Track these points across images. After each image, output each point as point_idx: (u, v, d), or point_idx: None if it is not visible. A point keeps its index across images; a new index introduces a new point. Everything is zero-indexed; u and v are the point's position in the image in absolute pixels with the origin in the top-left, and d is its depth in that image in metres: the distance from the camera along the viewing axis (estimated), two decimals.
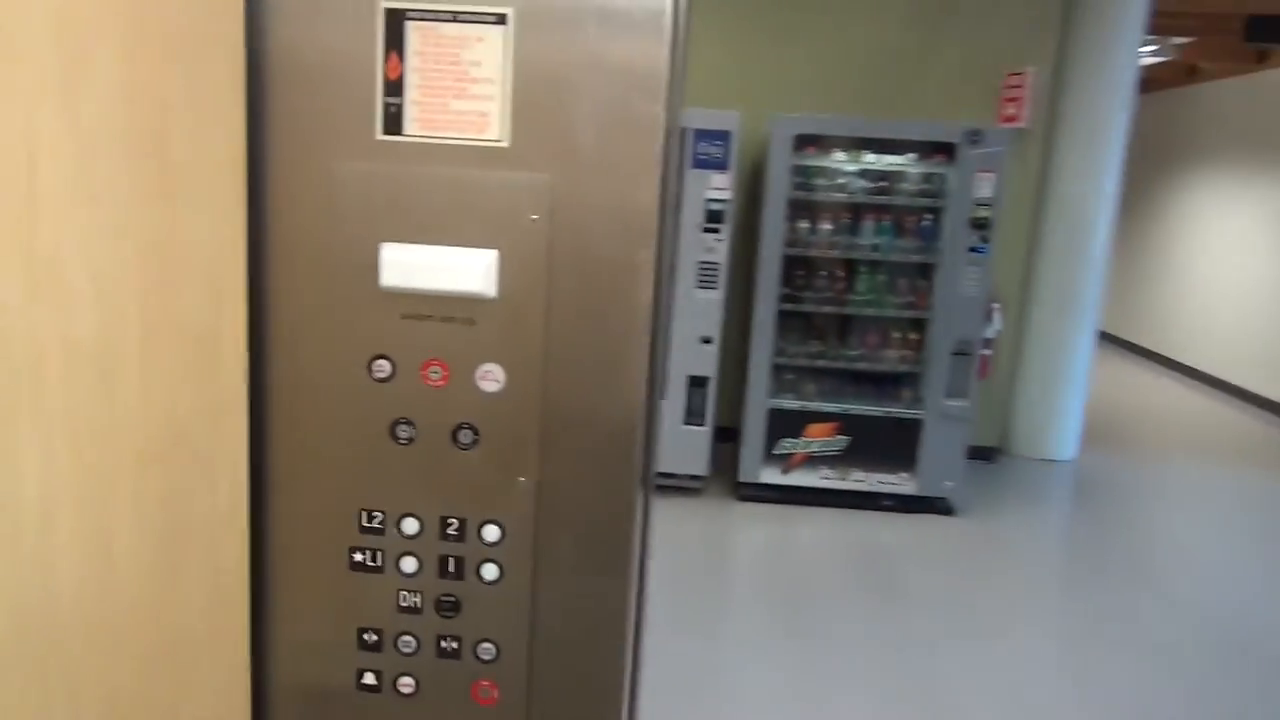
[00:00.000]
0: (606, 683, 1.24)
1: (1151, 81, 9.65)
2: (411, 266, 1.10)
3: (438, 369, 1.14)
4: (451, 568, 1.20)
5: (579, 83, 1.10)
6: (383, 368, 1.14)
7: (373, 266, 1.11)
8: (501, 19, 1.07)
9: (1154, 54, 7.74)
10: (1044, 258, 5.89)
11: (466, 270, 1.11)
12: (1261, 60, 7.99)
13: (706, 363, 4.81)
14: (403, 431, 1.16)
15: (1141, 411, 7.99)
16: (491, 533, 1.19)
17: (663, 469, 4.83)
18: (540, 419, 1.16)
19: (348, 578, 1.20)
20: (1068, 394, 6.07)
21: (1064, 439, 6.12)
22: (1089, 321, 5.97)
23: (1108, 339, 10.90)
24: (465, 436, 1.16)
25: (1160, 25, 6.47)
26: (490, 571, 1.20)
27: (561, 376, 1.15)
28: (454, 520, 1.18)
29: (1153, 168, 10.43)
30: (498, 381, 1.15)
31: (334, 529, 1.19)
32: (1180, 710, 3.20)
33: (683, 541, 4.44)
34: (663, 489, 4.91)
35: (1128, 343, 10.82)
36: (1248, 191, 8.70)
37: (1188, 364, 9.44)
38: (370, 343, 1.14)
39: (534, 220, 1.11)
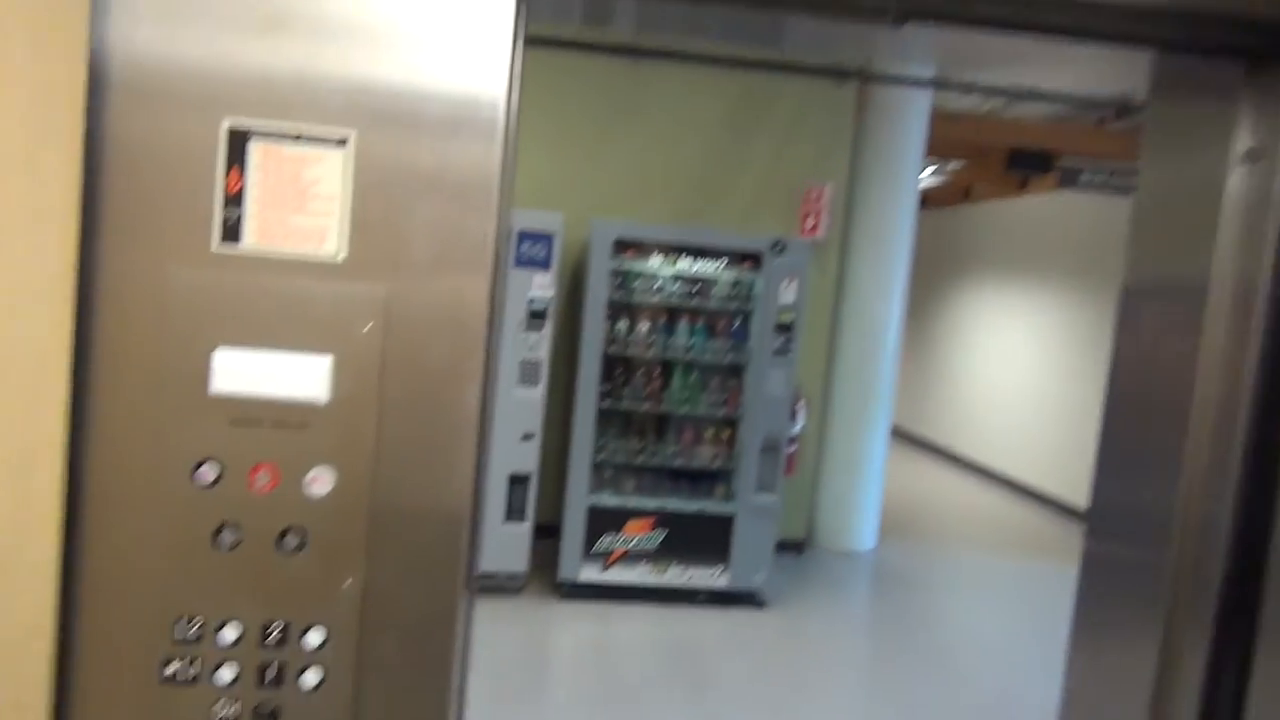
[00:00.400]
0: None
1: (933, 199, 10.75)
2: (244, 373, 1.12)
3: (266, 473, 1.15)
4: (272, 675, 1.18)
5: (415, 198, 1.17)
6: (207, 473, 1.14)
7: (204, 372, 1.12)
8: (343, 141, 1.14)
9: (934, 175, 8.66)
10: (842, 359, 6.36)
11: (299, 377, 1.13)
12: (1024, 186, 9.08)
13: (527, 460, 4.85)
14: (227, 536, 1.15)
15: (932, 504, 8.62)
16: (314, 637, 1.19)
17: (483, 568, 4.78)
18: (368, 521, 1.18)
19: (160, 691, 1.16)
20: (866, 488, 6.49)
21: (864, 531, 6.52)
22: (883, 418, 6.45)
23: (901, 435, 11.74)
24: (292, 540, 1.16)
25: (937, 150, 7.28)
26: (312, 678, 1.19)
27: (390, 478, 1.18)
28: (276, 626, 1.18)
29: (937, 277, 11.50)
30: (327, 485, 1.17)
31: (148, 639, 1.15)
32: None
33: (503, 641, 4.38)
34: (483, 589, 4.84)
35: (918, 438, 11.70)
36: (1018, 301, 9.75)
37: (970, 458, 10.30)
38: (196, 448, 1.14)
39: (368, 329, 1.16)
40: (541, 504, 5.06)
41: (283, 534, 1.16)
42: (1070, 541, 7.03)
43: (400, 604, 1.21)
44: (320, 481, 1.17)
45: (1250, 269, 1.73)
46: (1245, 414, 1.65)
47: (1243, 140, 1.80)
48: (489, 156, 1.19)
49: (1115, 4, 1.61)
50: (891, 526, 7.03)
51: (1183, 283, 1.91)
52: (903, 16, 1.62)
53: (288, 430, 1.15)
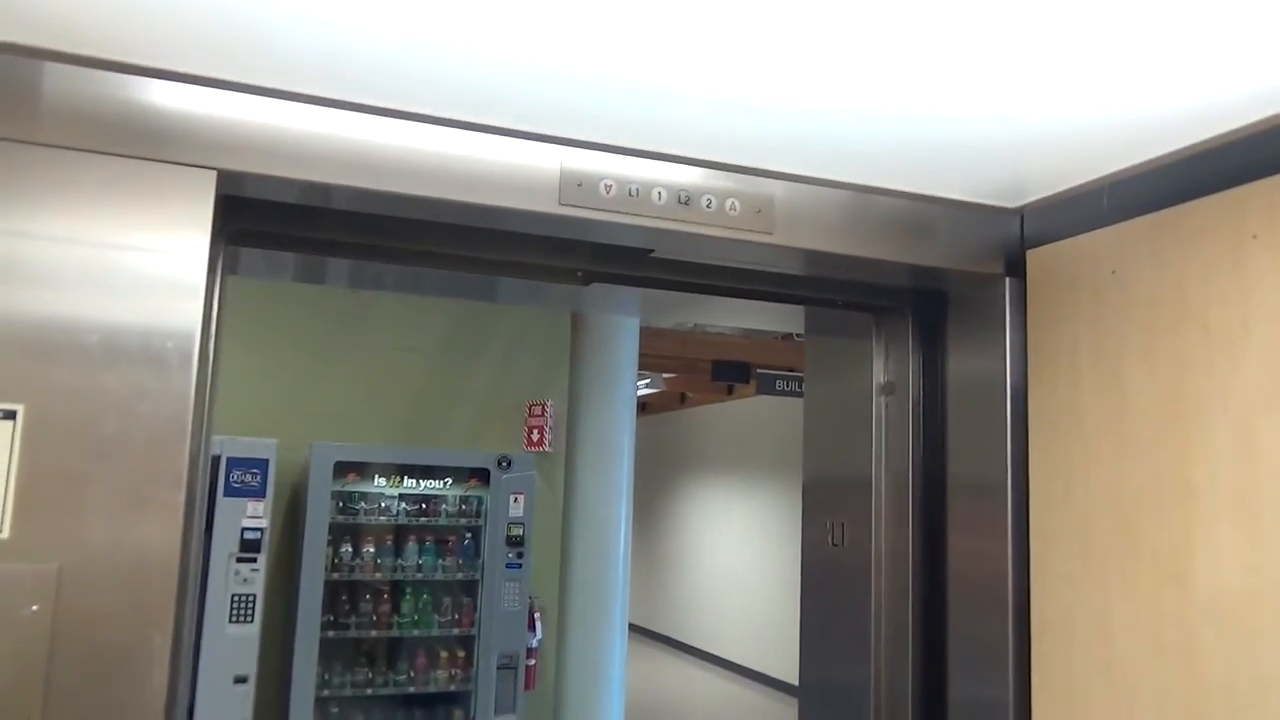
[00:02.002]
0: None
1: (653, 405, 11.42)
2: None
3: None
4: None
5: (93, 471, 1.15)
6: None
7: None
8: (10, 415, 1.11)
9: (649, 385, 9.26)
10: (575, 565, 6.41)
11: None
12: (731, 392, 9.91)
13: (240, 707, 4.40)
14: None
15: (670, 698, 8.65)
16: None
17: None
18: None
19: None
20: (609, 693, 6.42)
21: None
22: (620, 619, 6.51)
23: (637, 630, 11.83)
24: None
25: (649, 363, 7.84)
26: None
27: None
28: None
29: (660, 477, 12.06)
30: None
31: None
32: None
33: None
34: None
35: (653, 632, 11.83)
36: (731, 494, 10.40)
37: (699, 647, 10.55)
38: None
39: (34, 611, 1.09)
40: None
41: None
42: (790, 716, 7.28)
43: None
44: None
45: (901, 468, 2.04)
46: (915, 586, 1.90)
47: (880, 374, 2.17)
48: (182, 396, 1.19)
49: (767, 272, 1.94)
50: None
51: (851, 479, 2.20)
52: (589, 279, 1.85)
53: None
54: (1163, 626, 1.23)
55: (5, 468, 1.10)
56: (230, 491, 4.48)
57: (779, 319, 3.04)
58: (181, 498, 1.19)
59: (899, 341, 2.09)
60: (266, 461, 4.56)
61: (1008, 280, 1.76)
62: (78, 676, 1.10)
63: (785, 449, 9.28)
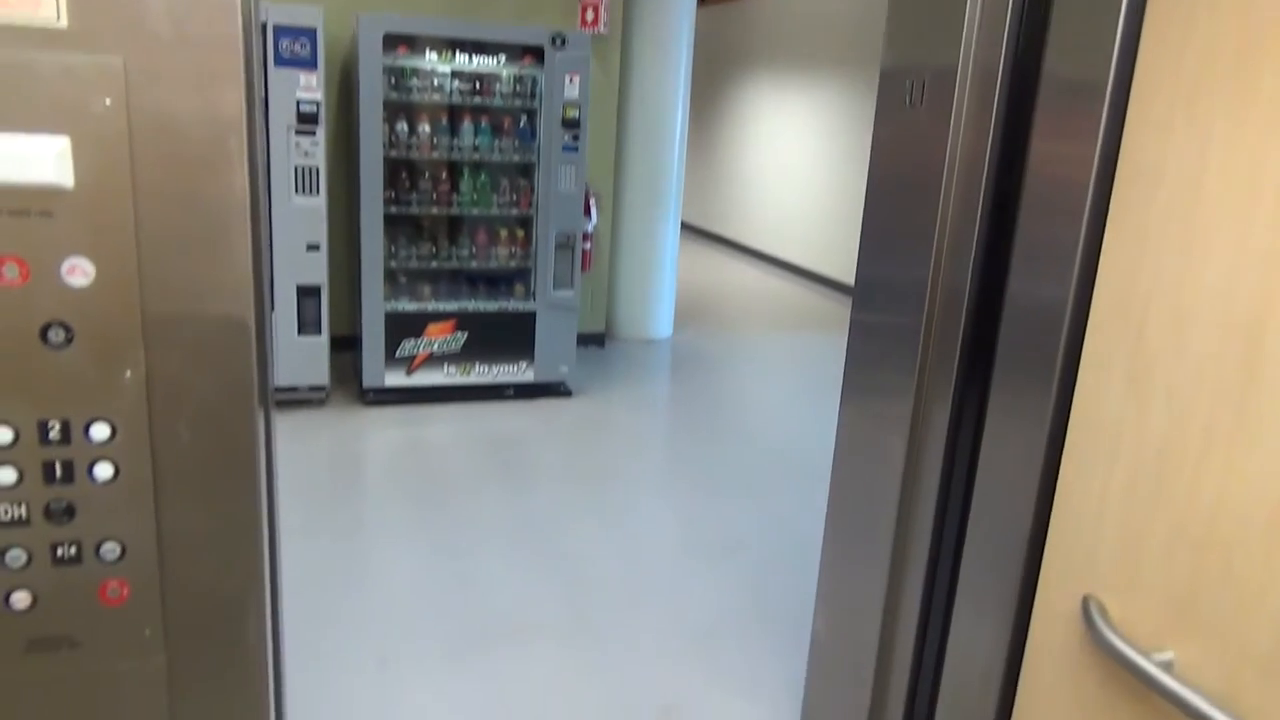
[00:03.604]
0: (244, 576, 1.28)
1: None
2: None
3: (14, 266, 1.08)
4: (59, 472, 1.16)
5: None
6: None
7: None
8: None
9: None
10: (629, 156, 6.40)
11: (31, 160, 1.05)
12: None
13: (315, 271, 4.68)
14: None
15: (722, 292, 9.07)
16: (100, 431, 1.17)
17: (282, 383, 4.69)
18: (141, 310, 1.15)
19: None
20: (661, 280, 6.74)
21: (660, 320, 6.82)
22: (673, 213, 6.63)
23: (690, 230, 12.12)
24: (56, 335, 1.12)
25: None
26: (104, 471, 1.18)
27: (159, 266, 1.15)
28: (55, 423, 1.15)
29: (718, 73, 11.57)
30: (86, 275, 1.12)
31: None
32: (755, 521, 3.86)
33: (312, 450, 4.38)
34: (285, 403, 4.77)
35: (707, 233, 12.11)
36: (794, 94, 10.01)
37: (755, 247, 10.82)
38: None
39: (108, 105, 1.08)
40: (336, 317, 4.94)
41: (45, 329, 1.12)
42: (843, 315, 7.67)
43: (191, 399, 1.21)
44: (78, 272, 1.11)
45: (991, 59, 1.88)
46: (985, 195, 1.84)
47: None
48: None
49: None
50: (686, 315, 7.40)
51: (935, 68, 2.05)
52: None
53: (31, 218, 1.08)
54: (1264, 176, 1.17)
55: None
56: (281, 62, 4.38)
57: None
58: (237, 9, 1.12)
59: None
60: (314, 30, 4.40)
61: None
62: (161, 172, 1.12)
63: (849, 43, 8.73)
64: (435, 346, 5.08)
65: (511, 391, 5.29)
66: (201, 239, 1.16)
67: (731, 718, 2.52)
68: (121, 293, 1.14)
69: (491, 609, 3.08)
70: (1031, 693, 1.62)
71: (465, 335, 5.12)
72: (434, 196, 5.09)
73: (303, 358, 4.75)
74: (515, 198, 5.23)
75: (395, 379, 5.05)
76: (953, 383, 1.83)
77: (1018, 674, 1.67)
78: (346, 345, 5.32)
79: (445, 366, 5.13)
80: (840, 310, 8.05)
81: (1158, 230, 1.33)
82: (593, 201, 5.74)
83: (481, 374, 5.21)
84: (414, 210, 5.05)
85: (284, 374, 4.69)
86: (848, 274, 8.56)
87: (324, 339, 4.77)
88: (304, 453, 4.34)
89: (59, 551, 1.18)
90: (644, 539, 3.71)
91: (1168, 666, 1.24)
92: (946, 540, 1.88)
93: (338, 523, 3.69)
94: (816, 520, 2.19)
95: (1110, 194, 1.43)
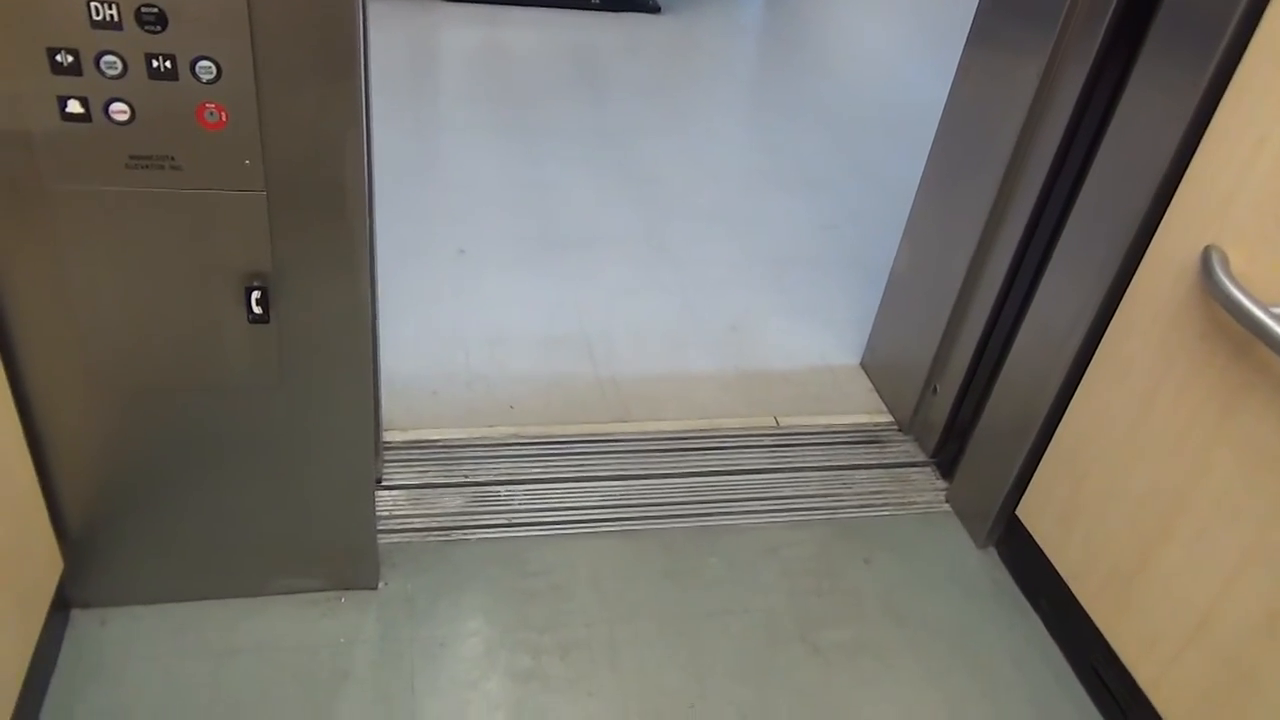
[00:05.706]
0: (342, 117, 1.23)
1: None
2: None
3: None
4: None
5: None
6: None
7: None
8: None
9: None
10: None
11: None
12: None
13: None
14: None
15: None
16: None
17: None
18: None
19: None
20: None
21: None
22: None
23: None
24: None
25: None
26: None
27: None
28: None
29: None
30: None
31: None
32: (839, 162, 3.72)
33: (390, 40, 4.22)
34: None
35: None
36: None
37: None
38: None
39: None
40: None
41: None
42: None
43: None
44: None
45: None
46: None
47: None
48: None
49: None
50: None
51: None
52: None
53: None
54: None
55: None
56: None
57: None
58: None
59: None
60: None
61: None
62: None
63: None
64: None
65: (597, 2, 4.95)
66: None
67: (797, 340, 2.58)
68: None
69: (567, 216, 3.09)
70: (1117, 345, 1.60)
71: None
72: None
73: None
74: None
75: None
76: (1093, 53, 1.63)
77: (1101, 332, 1.64)
78: None
79: None
80: None
81: None
82: None
83: None
84: None
85: None
86: None
87: None
88: (380, 42, 4.17)
89: (154, 64, 1.13)
90: (723, 163, 3.61)
91: None
92: (1057, 193, 1.78)
93: (417, 118, 3.63)
94: (903, 169, 2.07)
95: None
